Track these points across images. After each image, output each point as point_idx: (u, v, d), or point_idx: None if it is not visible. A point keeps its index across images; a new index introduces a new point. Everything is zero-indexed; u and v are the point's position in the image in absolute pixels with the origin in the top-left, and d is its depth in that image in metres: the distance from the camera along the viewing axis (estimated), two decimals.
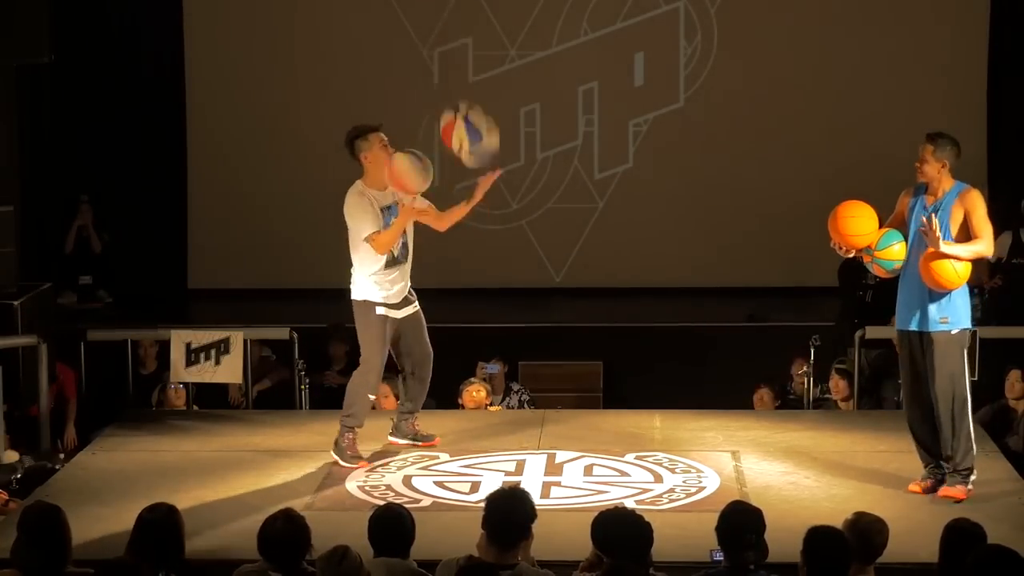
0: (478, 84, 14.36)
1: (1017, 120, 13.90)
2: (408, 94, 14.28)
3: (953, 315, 8.14)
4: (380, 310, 8.93)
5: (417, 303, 9.17)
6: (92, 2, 14.22)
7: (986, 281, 12.87)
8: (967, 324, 8.19)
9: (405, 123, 14.34)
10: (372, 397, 9.12)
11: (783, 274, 14.02)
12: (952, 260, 8.00)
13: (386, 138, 9.08)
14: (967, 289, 8.19)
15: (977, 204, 8.11)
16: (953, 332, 8.14)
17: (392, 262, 8.96)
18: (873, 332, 10.73)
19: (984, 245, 8.13)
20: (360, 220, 8.84)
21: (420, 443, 9.25)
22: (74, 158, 14.08)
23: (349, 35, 14.29)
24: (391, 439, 9.30)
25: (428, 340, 9.27)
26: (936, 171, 8.13)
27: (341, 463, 8.91)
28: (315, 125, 14.18)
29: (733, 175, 14.21)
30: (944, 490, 8.19)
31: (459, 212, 9.38)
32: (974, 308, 12.85)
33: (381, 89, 14.20)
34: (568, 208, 14.38)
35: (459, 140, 9.04)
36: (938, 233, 7.94)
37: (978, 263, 12.66)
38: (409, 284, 9.12)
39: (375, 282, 8.89)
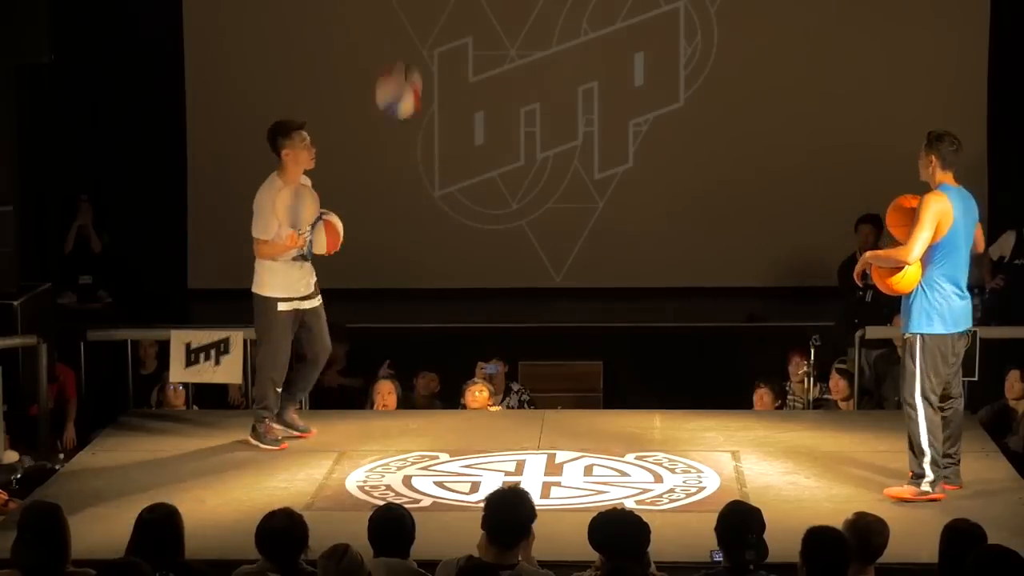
0: (478, 84, 14.36)
1: (1017, 120, 13.89)
2: None
3: (906, 320, 8.26)
4: (283, 306, 9.15)
5: (320, 297, 9.34)
6: (92, 2, 14.21)
7: (988, 281, 12.87)
8: (919, 329, 8.19)
9: (405, 123, 14.34)
10: (278, 389, 9.32)
11: (783, 274, 14.02)
12: (895, 263, 8.15)
13: (308, 137, 9.15)
14: (925, 294, 8.15)
15: (922, 207, 8.10)
16: (905, 336, 8.26)
17: (300, 257, 9.15)
18: (873, 332, 10.74)
19: (904, 251, 8.11)
20: (257, 219, 9.04)
21: (297, 433, 9.43)
22: (74, 158, 14.07)
23: (349, 35, 14.28)
24: (272, 425, 9.45)
25: (327, 332, 9.45)
26: (923, 168, 8.26)
27: (262, 447, 9.21)
28: (314, 125, 14.08)
29: (733, 175, 14.19)
30: (889, 489, 8.27)
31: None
32: (974, 308, 12.92)
33: None
34: (568, 208, 14.36)
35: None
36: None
37: (980, 262, 12.92)
38: (315, 279, 9.31)
39: (281, 273, 9.10)
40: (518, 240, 14.37)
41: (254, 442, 9.26)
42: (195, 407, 10.69)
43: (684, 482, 8.57)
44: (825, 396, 11.01)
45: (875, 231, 11.84)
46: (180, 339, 10.25)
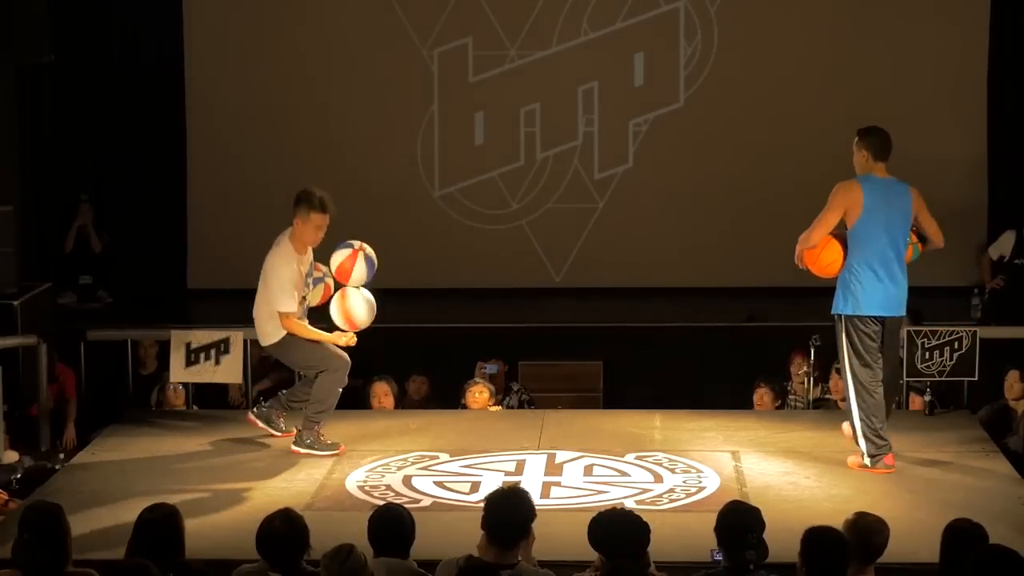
0: (478, 84, 14.36)
1: (1017, 120, 13.89)
2: (408, 94, 14.28)
3: (834, 300, 8.84)
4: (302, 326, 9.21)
5: None
6: (92, 2, 14.21)
7: (988, 281, 12.87)
8: (834, 309, 8.80)
9: (405, 123, 14.38)
10: (340, 390, 9.30)
11: (783, 274, 13.95)
12: (809, 249, 8.88)
13: (325, 222, 9.11)
14: (844, 278, 8.74)
15: (830, 194, 8.80)
16: (835, 315, 8.83)
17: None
18: None
19: (805, 233, 8.89)
20: (280, 289, 9.05)
21: (278, 433, 9.47)
22: (74, 158, 14.07)
23: (349, 35, 14.28)
24: (251, 418, 9.53)
25: None
26: (855, 160, 8.91)
27: (318, 454, 9.11)
28: (315, 125, 14.18)
29: (733, 175, 14.19)
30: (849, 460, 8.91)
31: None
32: (974, 308, 12.97)
33: (381, 89, 14.20)
34: (568, 208, 14.36)
35: (360, 276, 9.28)
36: None
37: (982, 262, 12.99)
38: None
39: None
40: (518, 240, 14.36)
41: (304, 451, 9.13)
42: (195, 407, 10.68)
43: (684, 482, 8.57)
44: (825, 396, 11.00)
45: None
46: (180, 339, 10.26)
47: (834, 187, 8.81)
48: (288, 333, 9.12)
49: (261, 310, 9.17)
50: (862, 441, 8.77)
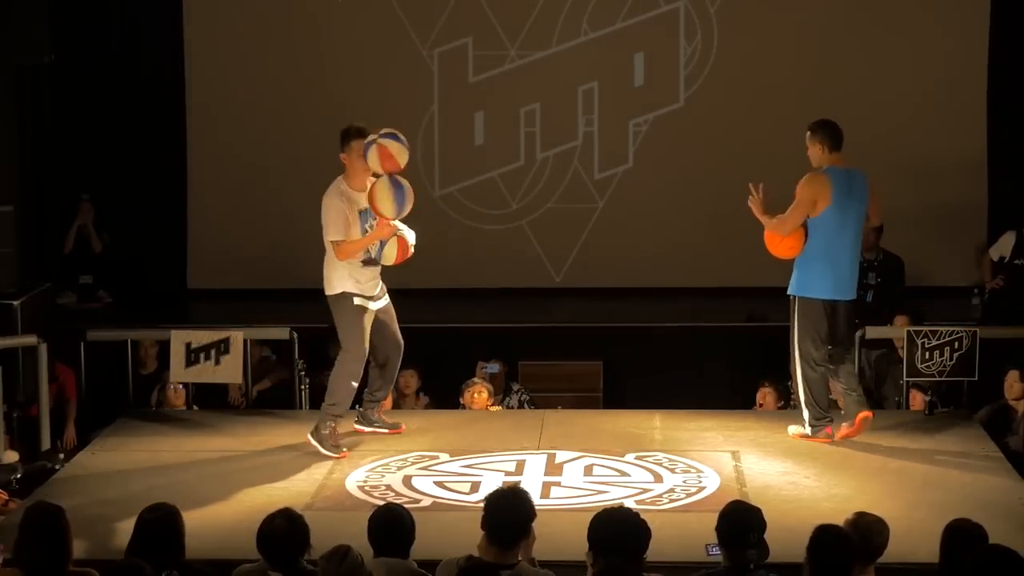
0: (478, 84, 14.36)
1: (1017, 120, 13.88)
2: (408, 94, 14.27)
3: (792, 282, 9.21)
4: (358, 300, 9.13)
5: (388, 296, 9.37)
6: (92, 2, 14.21)
7: (987, 281, 12.87)
8: (799, 293, 9.17)
9: (405, 124, 14.33)
10: (355, 385, 9.26)
11: (783, 274, 13.97)
12: (771, 232, 9.22)
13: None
14: (806, 263, 9.11)
15: (801, 187, 9.15)
16: (791, 296, 9.21)
17: (369, 261, 9.18)
18: (873, 332, 10.74)
19: (777, 224, 9.17)
20: (330, 223, 9.06)
21: (387, 431, 9.50)
22: (74, 158, 14.07)
23: (349, 35, 14.28)
24: (356, 427, 9.51)
25: (399, 331, 9.45)
26: (811, 153, 9.27)
27: (322, 451, 9.09)
28: (315, 125, 14.14)
29: (733, 175, 14.13)
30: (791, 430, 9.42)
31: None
32: (974, 308, 12.94)
33: (381, 89, 14.19)
34: (568, 208, 14.36)
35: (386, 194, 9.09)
36: (749, 204, 9.34)
37: (982, 262, 12.99)
38: (382, 284, 9.35)
39: (350, 273, 9.10)
40: (518, 240, 14.36)
41: (314, 443, 9.11)
42: (195, 407, 10.68)
43: (684, 482, 8.57)
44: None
45: (874, 231, 11.83)
46: (180, 339, 10.26)
47: (803, 180, 9.15)
48: (341, 293, 9.06)
49: (326, 258, 9.16)
50: (805, 411, 9.19)
